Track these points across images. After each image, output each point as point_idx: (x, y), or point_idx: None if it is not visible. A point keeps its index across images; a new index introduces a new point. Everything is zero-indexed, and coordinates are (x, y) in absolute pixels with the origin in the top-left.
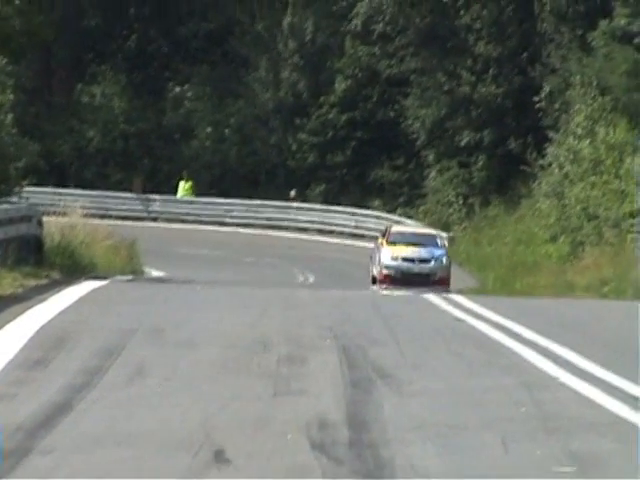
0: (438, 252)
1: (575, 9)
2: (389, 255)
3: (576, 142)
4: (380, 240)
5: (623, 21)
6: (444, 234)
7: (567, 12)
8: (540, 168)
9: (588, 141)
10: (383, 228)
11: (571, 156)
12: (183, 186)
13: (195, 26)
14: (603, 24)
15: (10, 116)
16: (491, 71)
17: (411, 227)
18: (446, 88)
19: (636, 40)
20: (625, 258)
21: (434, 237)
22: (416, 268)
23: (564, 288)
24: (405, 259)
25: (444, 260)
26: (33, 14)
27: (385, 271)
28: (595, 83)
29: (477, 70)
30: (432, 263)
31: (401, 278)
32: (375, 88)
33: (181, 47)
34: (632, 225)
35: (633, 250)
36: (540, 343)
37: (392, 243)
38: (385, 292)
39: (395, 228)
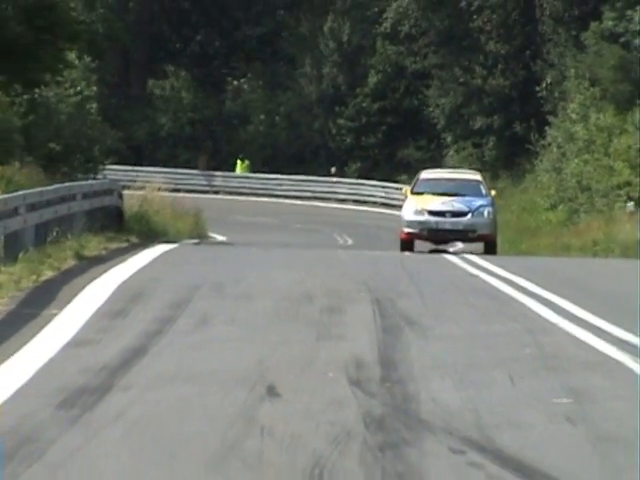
0: (478, 202)
1: (570, 13)
2: (412, 208)
3: (571, 125)
4: (405, 190)
5: (610, 23)
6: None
7: (563, 16)
8: (541, 147)
9: (582, 124)
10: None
11: (567, 137)
12: (240, 164)
13: (250, 29)
14: (594, 26)
15: (95, 106)
16: (499, 66)
17: (446, 172)
18: (462, 80)
19: (622, 39)
20: (613, 223)
21: (476, 183)
22: (447, 224)
23: (562, 248)
24: (432, 212)
25: (486, 213)
26: (113, 21)
27: (407, 229)
28: (587, 76)
29: (488, 65)
30: (469, 217)
31: (428, 237)
32: (402, 81)
33: (238, 47)
34: (619, 195)
35: (620, 216)
36: (543, 295)
37: (418, 193)
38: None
39: (425, 173)
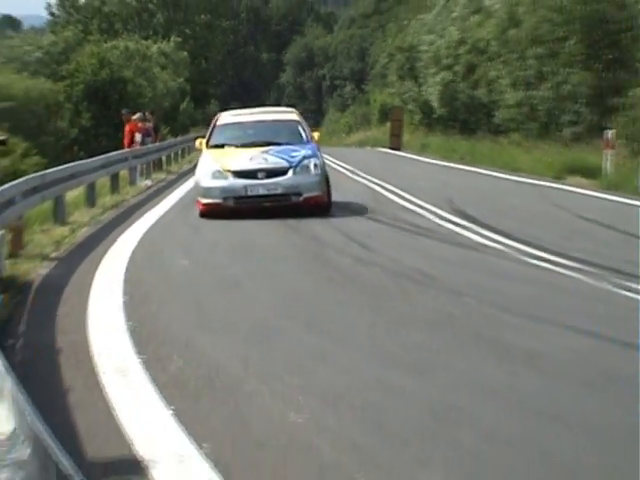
0: (300, 152)
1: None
2: (209, 169)
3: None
4: (199, 141)
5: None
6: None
7: None
8: None
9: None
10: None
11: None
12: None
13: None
14: None
15: None
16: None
17: (251, 112)
18: None
19: None
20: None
21: (293, 124)
22: (261, 187)
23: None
24: (239, 173)
25: (312, 166)
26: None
27: (205, 199)
28: None
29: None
30: (290, 174)
31: (235, 207)
32: None
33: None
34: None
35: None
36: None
37: (217, 146)
38: None
39: (224, 117)
